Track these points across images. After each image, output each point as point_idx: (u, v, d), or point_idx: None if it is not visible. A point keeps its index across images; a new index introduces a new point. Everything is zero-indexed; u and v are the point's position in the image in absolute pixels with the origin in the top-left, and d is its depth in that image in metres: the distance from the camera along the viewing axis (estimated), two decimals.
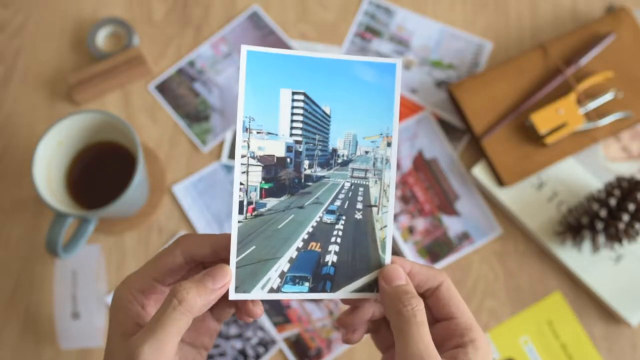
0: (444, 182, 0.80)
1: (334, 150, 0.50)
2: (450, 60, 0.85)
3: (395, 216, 0.78)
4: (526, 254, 0.78)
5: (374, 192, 0.50)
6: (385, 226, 0.50)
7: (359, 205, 0.50)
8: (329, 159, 0.51)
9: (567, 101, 0.76)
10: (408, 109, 0.83)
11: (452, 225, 0.78)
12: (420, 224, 0.78)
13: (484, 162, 0.79)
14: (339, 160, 0.51)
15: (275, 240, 0.49)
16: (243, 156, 0.47)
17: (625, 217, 0.70)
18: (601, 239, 0.71)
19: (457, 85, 0.79)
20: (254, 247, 0.48)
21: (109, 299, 0.76)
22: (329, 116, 0.49)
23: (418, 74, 0.84)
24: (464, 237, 0.78)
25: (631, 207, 0.70)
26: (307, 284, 0.48)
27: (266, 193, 0.49)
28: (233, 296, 0.46)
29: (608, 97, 0.77)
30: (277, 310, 0.76)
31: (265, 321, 0.76)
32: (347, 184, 0.51)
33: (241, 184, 0.48)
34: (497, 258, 0.78)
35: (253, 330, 0.75)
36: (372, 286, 0.49)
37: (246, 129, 0.47)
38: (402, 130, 0.81)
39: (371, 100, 0.50)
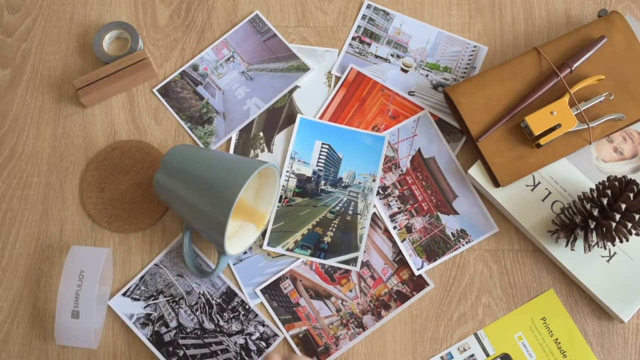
0: (441, 181, 0.82)
1: (340, 179, 0.82)
2: (447, 63, 0.87)
3: (394, 215, 0.80)
4: (521, 252, 0.80)
5: (360, 206, 0.81)
6: (364, 227, 0.80)
7: (350, 212, 0.81)
8: (336, 183, 0.82)
9: (561, 103, 0.78)
10: (407, 109, 0.85)
11: (450, 224, 0.80)
12: (418, 222, 0.80)
13: (479, 162, 0.80)
14: (342, 184, 0.82)
15: (296, 222, 0.81)
16: (287, 171, 0.82)
17: (617, 216, 0.71)
18: (594, 237, 0.73)
19: (454, 88, 0.81)
20: (283, 222, 0.81)
21: (110, 303, 0.78)
22: (341, 159, 0.83)
23: (416, 76, 0.86)
24: (461, 235, 0.80)
25: (622, 206, 0.71)
26: (309, 251, 0.80)
27: (296, 194, 0.82)
28: (265, 247, 0.79)
29: (600, 99, 0.79)
30: (287, 309, 0.78)
31: (266, 317, 0.77)
32: (345, 199, 0.81)
33: (283, 185, 0.82)
34: (492, 256, 0.79)
35: (255, 325, 0.77)
36: (349, 262, 0.78)
37: (292, 157, 0.83)
38: (400, 130, 0.83)
39: (367, 154, 0.83)
